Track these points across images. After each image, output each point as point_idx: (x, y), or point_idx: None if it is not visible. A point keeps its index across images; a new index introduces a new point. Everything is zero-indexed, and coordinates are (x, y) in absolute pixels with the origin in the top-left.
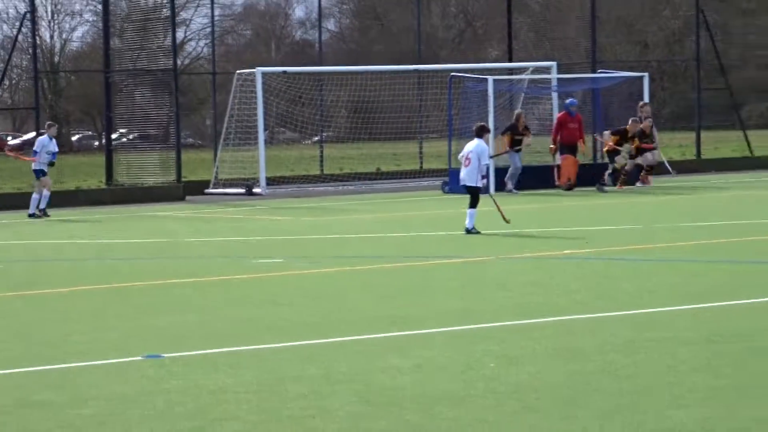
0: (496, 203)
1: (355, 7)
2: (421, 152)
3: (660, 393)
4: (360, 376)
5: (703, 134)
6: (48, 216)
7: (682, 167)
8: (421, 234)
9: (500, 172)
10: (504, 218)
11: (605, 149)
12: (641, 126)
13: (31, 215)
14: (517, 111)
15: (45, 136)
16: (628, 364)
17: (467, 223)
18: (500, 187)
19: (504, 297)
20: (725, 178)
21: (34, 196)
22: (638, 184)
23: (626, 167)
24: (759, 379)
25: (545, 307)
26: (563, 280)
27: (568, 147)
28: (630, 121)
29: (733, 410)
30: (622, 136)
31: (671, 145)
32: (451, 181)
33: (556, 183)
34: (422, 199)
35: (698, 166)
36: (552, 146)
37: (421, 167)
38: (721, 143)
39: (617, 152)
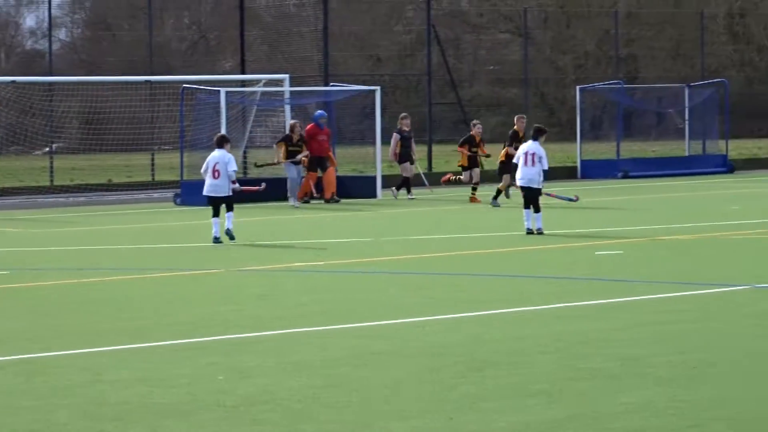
0: (242, 189)
1: (87, 17)
2: (153, 164)
3: (385, 405)
4: (85, 390)
5: (435, 148)
6: None
7: (414, 180)
8: (152, 246)
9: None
10: (256, 190)
11: (500, 159)
12: (473, 132)
13: None
14: (292, 121)
15: None
16: (355, 377)
17: (228, 224)
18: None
19: (232, 310)
20: (456, 191)
21: None
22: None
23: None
24: (479, 390)
25: (274, 320)
26: (292, 292)
27: (317, 159)
28: (516, 119)
29: (455, 421)
30: (516, 139)
31: None
32: (183, 193)
33: (319, 195)
34: (154, 211)
35: (429, 179)
36: (304, 158)
37: (153, 179)
38: (452, 157)
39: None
